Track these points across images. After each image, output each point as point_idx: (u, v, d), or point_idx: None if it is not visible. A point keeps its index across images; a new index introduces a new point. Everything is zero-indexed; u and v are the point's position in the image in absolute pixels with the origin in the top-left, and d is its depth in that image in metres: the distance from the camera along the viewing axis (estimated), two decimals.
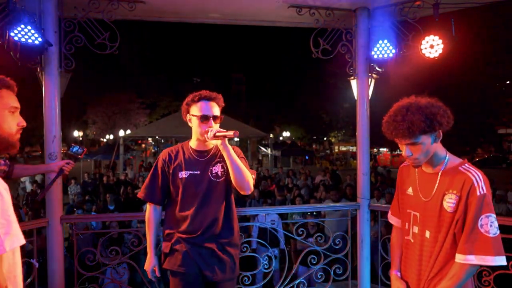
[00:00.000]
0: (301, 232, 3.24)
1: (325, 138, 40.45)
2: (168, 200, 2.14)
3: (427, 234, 1.58)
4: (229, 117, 20.13)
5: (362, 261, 3.31)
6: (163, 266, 2.08)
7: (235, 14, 3.34)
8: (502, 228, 2.58)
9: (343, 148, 39.36)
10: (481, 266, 1.51)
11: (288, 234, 3.86)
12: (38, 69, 2.74)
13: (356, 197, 3.36)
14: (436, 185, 1.57)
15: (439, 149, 1.58)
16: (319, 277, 3.30)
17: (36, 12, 2.68)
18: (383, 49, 2.99)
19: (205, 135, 1.97)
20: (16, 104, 1.23)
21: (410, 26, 3.01)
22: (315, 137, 38.34)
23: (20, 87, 1.43)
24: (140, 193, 2.13)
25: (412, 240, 1.66)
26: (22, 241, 1.06)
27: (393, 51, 2.96)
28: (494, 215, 1.45)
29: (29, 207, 7.72)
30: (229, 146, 1.95)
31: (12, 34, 2.40)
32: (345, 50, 3.24)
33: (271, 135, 23.74)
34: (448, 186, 1.53)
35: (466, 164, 1.55)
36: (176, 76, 35.74)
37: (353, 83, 3.30)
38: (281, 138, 37.11)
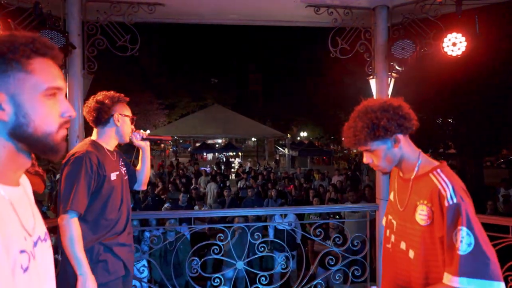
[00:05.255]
0: (318, 233, 3.22)
1: (343, 138, 39.87)
2: None
3: (402, 245, 1.43)
4: (246, 117, 20.25)
5: (381, 263, 3.26)
6: None
7: (252, 14, 3.36)
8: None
9: None
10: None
11: (306, 235, 3.84)
12: (63, 71, 2.83)
13: (375, 198, 3.31)
14: (409, 193, 1.42)
15: (408, 152, 1.42)
16: (337, 278, 3.27)
17: (61, 16, 2.78)
18: (403, 48, 2.93)
19: (131, 136, 2.17)
20: (58, 82, 0.77)
21: (431, 24, 2.95)
22: (332, 137, 37.94)
23: None
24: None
25: (391, 250, 1.52)
26: None
27: (414, 49, 2.91)
28: (465, 228, 1.20)
29: (53, 205, 7.98)
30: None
31: None
32: (364, 49, 3.20)
33: (288, 135, 23.68)
34: (419, 196, 1.36)
35: (438, 170, 1.34)
36: (194, 76, 36.22)
37: (372, 82, 3.26)
38: (298, 138, 36.93)
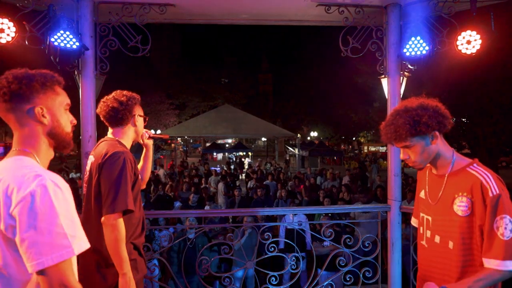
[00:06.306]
0: (329, 234, 3.20)
1: (354, 138, 39.62)
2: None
3: (437, 239, 1.52)
4: (257, 117, 20.24)
5: (392, 264, 3.22)
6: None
7: (263, 14, 3.35)
8: None
9: (373, 149, 38.41)
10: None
11: (316, 235, 3.82)
12: (76, 72, 2.87)
13: (387, 198, 3.27)
14: (443, 187, 1.52)
15: (443, 150, 1.52)
16: (348, 279, 3.24)
17: (74, 18, 2.82)
18: (416, 46, 2.88)
19: (142, 136, 2.17)
20: (69, 100, 1.21)
21: (444, 22, 2.89)
22: (343, 137, 37.65)
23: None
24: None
25: (426, 245, 1.61)
26: (87, 244, 1.03)
27: (427, 48, 2.86)
28: (508, 216, 1.33)
29: None
30: None
31: (52, 39, 2.54)
32: (376, 48, 3.16)
33: (299, 135, 23.58)
34: (457, 189, 1.46)
35: (475, 164, 1.47)
36: (204, 77, 36.42)
37: (384, 81, 3.22)
38: (308, 138, 36.77)
